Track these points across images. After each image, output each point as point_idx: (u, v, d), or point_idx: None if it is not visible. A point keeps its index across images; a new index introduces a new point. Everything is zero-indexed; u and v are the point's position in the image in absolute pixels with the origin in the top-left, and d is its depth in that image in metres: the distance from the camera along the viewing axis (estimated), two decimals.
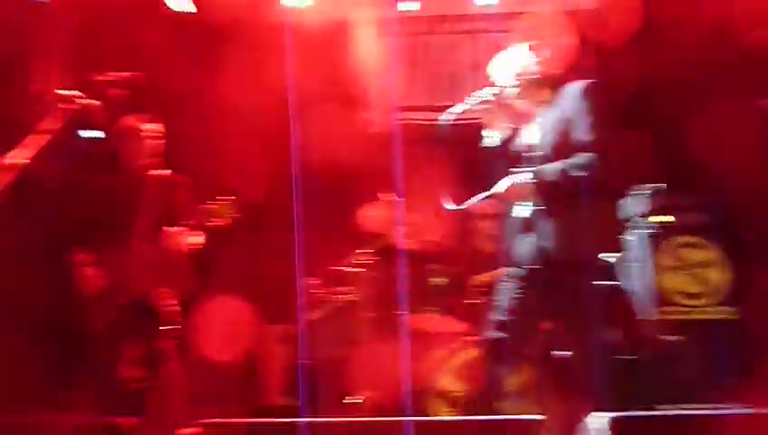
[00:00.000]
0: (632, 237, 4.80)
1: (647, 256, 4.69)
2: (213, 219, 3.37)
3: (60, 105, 3.11)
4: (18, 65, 5.46)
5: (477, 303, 3.89)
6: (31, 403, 3.99)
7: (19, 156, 2.99)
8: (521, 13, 5.76)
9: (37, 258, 4.35)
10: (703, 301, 4.46)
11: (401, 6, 5.74)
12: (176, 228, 3.40)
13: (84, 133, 4.21)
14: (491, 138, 2.93)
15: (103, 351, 3.52)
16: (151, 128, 3.71)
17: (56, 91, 3.12)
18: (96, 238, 3.57)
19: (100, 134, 3.74)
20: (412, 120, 5.81)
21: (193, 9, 5.53)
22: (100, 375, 3.54)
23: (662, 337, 4.38)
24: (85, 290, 3.52)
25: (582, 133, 2.80)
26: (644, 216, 4.76)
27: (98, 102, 3.18)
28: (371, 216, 4.24)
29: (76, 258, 3.57)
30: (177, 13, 5.39)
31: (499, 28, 5.75)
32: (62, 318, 3.70)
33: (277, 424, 3.76)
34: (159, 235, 3.44)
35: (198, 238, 3.48)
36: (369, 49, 5.71)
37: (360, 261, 4.31)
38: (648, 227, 4.71)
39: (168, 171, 3.72)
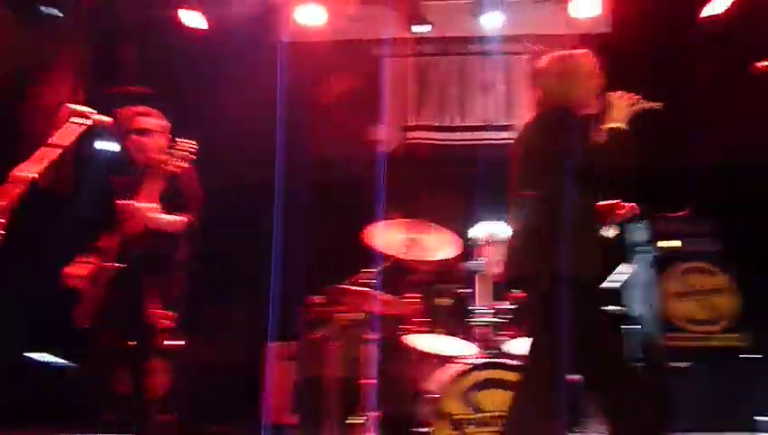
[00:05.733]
0: (638, 263, 4.78)
1: (653, 281, 4.66)
2: (178, 163, 3.37)
3: (72, 120, 3.10)
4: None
5: (485, 324, 3.84)
6: None
7: (30, 169, 2.96)
8: (528, 35, 5.82)
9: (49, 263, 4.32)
10: (711, 327, 4.44)
11: (414, 28, 5.80)
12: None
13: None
14: None
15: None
16: (161, 124, 3.65)
17: (69, 105, 3.10)
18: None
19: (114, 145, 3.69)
20: (422, 139, 5.85)
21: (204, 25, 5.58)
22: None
23: (670, 364, 4.35)
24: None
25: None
26: (650, 241, 4.73)
27: (109, 119, 3.15)
28: (379, 234, 4.19)
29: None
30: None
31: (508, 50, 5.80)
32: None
33: None
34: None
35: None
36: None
37: (366, 280, 4.26)
38: (655, 253, 4.69)
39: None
